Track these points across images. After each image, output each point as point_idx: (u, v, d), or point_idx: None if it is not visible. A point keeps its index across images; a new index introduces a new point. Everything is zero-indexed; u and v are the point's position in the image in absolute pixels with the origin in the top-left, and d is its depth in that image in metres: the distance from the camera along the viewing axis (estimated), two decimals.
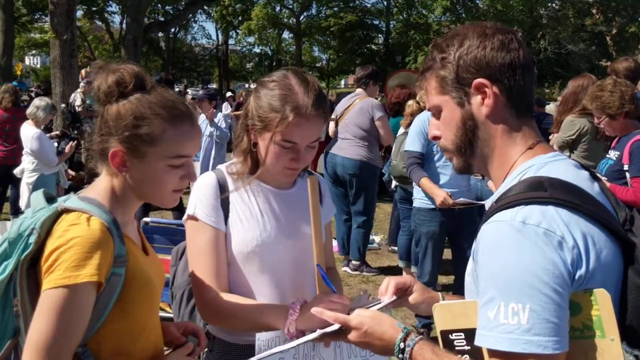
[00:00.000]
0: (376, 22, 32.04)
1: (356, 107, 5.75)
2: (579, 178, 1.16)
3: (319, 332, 1.39)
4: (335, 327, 1.36)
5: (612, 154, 3.58)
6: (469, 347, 1.17)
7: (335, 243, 6.54)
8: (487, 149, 1.23)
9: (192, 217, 1.68)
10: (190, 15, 32.61)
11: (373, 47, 32.33)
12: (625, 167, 3.40)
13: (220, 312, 1.62)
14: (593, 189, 1.17)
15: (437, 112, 1.28)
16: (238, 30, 31.71)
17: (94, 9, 26.95)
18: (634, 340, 1.03)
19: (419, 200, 4.31)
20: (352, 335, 1.33)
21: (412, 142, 4.30)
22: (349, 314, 1.37)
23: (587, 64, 26.55)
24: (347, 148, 5.69)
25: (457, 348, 1.19)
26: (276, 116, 1.58)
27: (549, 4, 27.45)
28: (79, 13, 26.51)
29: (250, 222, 1.69)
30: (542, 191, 1.08)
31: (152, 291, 1.42)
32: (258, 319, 1.58)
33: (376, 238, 6.70)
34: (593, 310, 1.04)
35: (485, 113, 1.20)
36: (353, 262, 5.83)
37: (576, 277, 1.04)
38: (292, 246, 1.71)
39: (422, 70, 1.30)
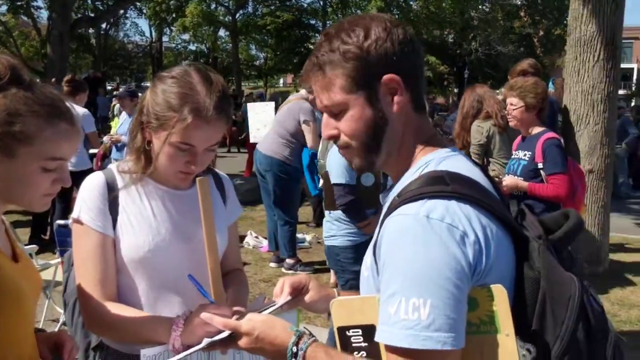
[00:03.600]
0: (313, 22, 32.11)
1: (286, 106, 5.87)
2: (476, 173, 1.16)
3: (206, 341, 1.30)
4: (225, 334, 1.29)
5: (522, 154, 3.69)
6: (366, 344, 1.14)
7: (266, 242, 6.51)
8: (392, 146, 1.20)
9: (77, 221, 1.55)
10: (122, 11, 31.71)
11: (310, 46, 32.38)
12: (540, 166, 3.50)
13: (104, 322, 1.51)
14: (487, 183, 1.17)
15: (339, 111, 1.19)
16: (172, 27, 31.05)
17: (18, 3, 25.71)
18: (526, 334, 1.02)
19: (343, 238, 3.49)
20: (243, 342, 1.26)
21: (338, 175, 3.46)
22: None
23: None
24: (268, 145, 5.77)
25: (354, 345, 1.15)
26: (174, 116, 1.47)
27: (480, 7, 28.26)
28: (3, 8, 25.31)
29: (141, 225, 1.57)
30: (444, 185, 1.07)
31: (22, 300, 1.29)
32: (142, 333, 1.48)
33: (307, 237, 6.66)
34: (490, 306, 1.03)
35: (396, 110, 1.16)
36: (287, 260, 5.81)
37: (476, 272, 1.03)
38: (188, 251, 1.60)
39: (316, 64, 1.19)
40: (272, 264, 5.94)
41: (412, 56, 1.17)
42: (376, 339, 1.05)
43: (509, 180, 3.70)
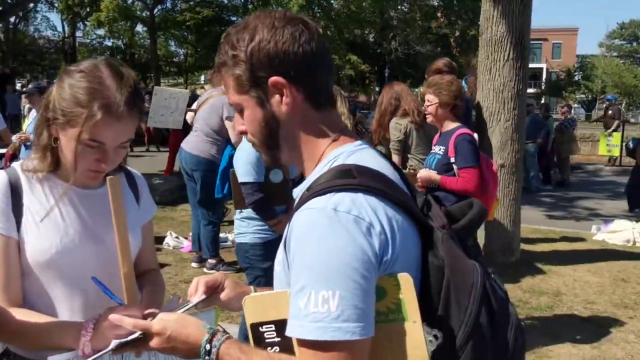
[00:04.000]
0: (234, 18, 31.75)
1: (209, 103, 5.74)
2: (384, 166, 1.19)
3: (114, 342, 1.26)
4: (136, 335, 1.25)
5: (438, 149, 3.82)
6: (279, 339, 1.13)
7: (187, 242, 6.38)
8: (293, 143, 1.22)
9: None
10: (32, 5, 30.13)
11: None
12: (452, 160, 3.62)
13: (8, 329, 1.42)
14: (395, 176, 1.20)
15: (239, 110, 1.23)
16: (86, 22, 29.82)
17: None
18: (433, 321, 1.05)
19: (253, 235, 3.43)
20: (155, 342, 1.22)
21: (245, 173, 3.39)
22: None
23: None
24: (192, 143, 5.67)
25: (267, 340, 1.15)
26: (82, 112, 1.40)
27: (398, 7, 28.92)
28: None
29: (48, 226, 1.49)
30: (351, 178, 1.09)
31: None
32: (50, 340, 1.41)
33: (229, 236, 6.59)
34: (397, 294, 1.04)
35: (286, 111, 1.17)
36: (209, 260, 5.73)
37: (383, 261, 1.05)
38: (99, 252, 1.54)
39: (216, 65, 1.22)
40: (194, 264, 5.83)
41: (305, 55, 1.16)
42: (287, 333, 1.05)
43: (422, 173, 3.80)
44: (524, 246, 6.74)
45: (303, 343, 1.02)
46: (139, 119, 1.51)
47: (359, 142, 1.23)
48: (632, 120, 46.33)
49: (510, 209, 5.92)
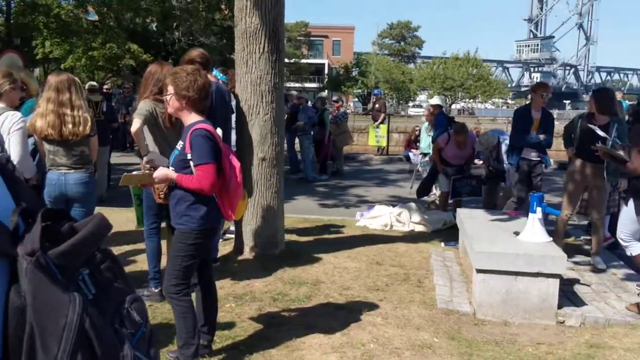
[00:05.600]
0: None
1: None
2: None
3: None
4: None
5: (178, 144, 3.60)
6: None
7: None
8: None
9: None
10: None
11: None
12: (189, 156, 3.42)
13: None
14: None
15: None
16: None
17: None
18: None
19: None
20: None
21: None
22: None
23: (219, 56, 28.16)
24: None
25: None
26: None
27: None
28: None
29: None
30: None
31: None
32: None
33: None
34: None
35: None
36: None
37: None
38: None
39: None
40: None
41: None
42: None
43: (159, 172, 3.54)
44: (291, 237, 6.85)
45: None
46: None
47: None
48: (402, 113, 51.33)
49: (272, 201, 5.92)
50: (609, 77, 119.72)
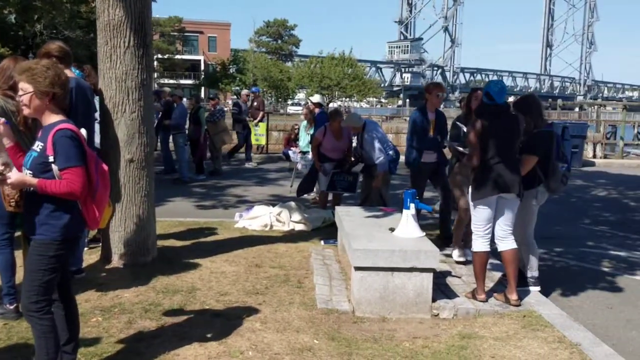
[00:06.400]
0: None
1: None
2: None
3: None
4: None
5: (36, 145, 3.23)
6: None
7: None
8: None
9: None
10: None
11: None
12: (51, 159, 3.08)
13: None
14: None
15: None
16: None
17: None
18: None
19: None
20: None
21: None
22: None
23: (85, 50, 26.62)
24: None
25: None
26: None
27: None
28: None
29: None
30: None
31: None
32: None
33: None
34: None
35: None
36: None
37: None
38: None
39: None
40: None
41: None
42: None
43: (15, 177, 3.15)
44: (165, 242, 6.52)
45: None
46: None
47: None
48: (282, 111, 51.51)
49: (142, 206, 5.57)
50: (472, 78, 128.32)
